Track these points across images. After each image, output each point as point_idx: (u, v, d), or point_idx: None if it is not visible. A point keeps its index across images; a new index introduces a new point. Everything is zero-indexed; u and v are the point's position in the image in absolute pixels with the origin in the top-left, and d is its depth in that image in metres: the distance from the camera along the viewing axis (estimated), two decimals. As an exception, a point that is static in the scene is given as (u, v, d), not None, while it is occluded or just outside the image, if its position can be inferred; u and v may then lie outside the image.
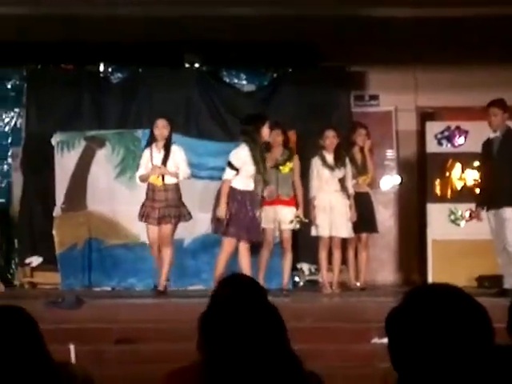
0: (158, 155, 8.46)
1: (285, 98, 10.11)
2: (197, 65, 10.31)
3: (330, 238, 8.84)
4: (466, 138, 9.67)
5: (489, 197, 8.14)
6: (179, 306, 7.54)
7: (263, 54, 10.10)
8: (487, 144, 8.27)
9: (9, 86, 10.46)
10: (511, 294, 7.12)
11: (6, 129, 10.46)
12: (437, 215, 9.61)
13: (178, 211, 8.40)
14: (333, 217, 8.76)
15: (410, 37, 9.80)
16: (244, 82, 10.52)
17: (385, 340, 1.97)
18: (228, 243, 8.09)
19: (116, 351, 5.99)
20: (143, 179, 8.51)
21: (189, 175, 8.53)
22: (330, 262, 8.96)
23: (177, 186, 8.45)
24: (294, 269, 9.34)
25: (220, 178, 8.33)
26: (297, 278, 9.81)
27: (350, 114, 10.23)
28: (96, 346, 5.87)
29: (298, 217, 8.64)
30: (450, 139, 9.75)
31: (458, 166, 9.69)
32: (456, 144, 9.72)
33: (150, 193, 8.42)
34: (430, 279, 9.43)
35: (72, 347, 5.40)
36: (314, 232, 8.82)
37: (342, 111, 10.14)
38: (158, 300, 8.16)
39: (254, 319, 2.14)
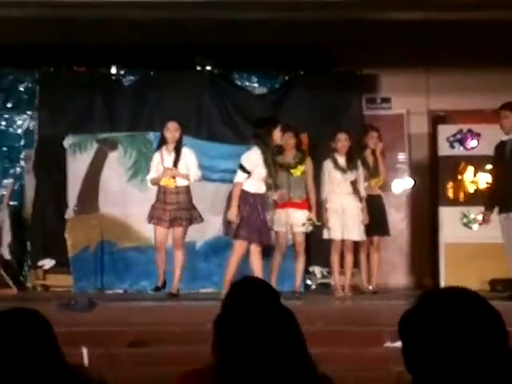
0: (169, 157, 8.47)
1: (296, 101, 10.11)
2: (208, 68, 10.32)
3: (342, 241, 8.83)
4: (478, 140, 9.64)
5: (501, 200, 8.12)
6: (191, 309, 7.55)
7: (274, 57, 10.10)
8: (500, 147, 8.26)
9: (21, 89, 10.50)
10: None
11: (19, 131, 10.50)
12: (449, 218, 9.58)
13: (189, 214, 8.41)
14: (345, 220, 8.76)
15: (422, 40, 9.80)
16: (255, 85, 10.52)
17: (398, 343, 1.97)
18: (239, 246, 8.10)
19: (128, 354, 5.99)
20: (154, 182, 8.53)
21: (199, 177, 8.54)
22: (341, 265, 8.96)
23: (188, 189, 8.47)
24: (306, 272, 9.33)
25: (231, 181, 8.34)
26: (309, 281, 9.80)
27: (361, 117, 10.22)
28: (108, 348, 5.87)
29: (310, 220, 8.63)
30: (462, 142, 9.72)
31: (471, 168, 9.66)
32: (468, 147, 9.70)
33: (161, 195, 8.43)
34: (443, 282, 9.40)
35: (85, 350, 5.41)
36: (326, 235, 8.82)
37: (353, 114, 10.13)
38: (170, 303, 8.17)
39: (269, 322, 2.14)
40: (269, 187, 8.22)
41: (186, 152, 8.50)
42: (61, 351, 2.40)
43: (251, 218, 8.05)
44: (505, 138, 8.19)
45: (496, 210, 8.21)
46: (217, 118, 10.21)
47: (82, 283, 9.56)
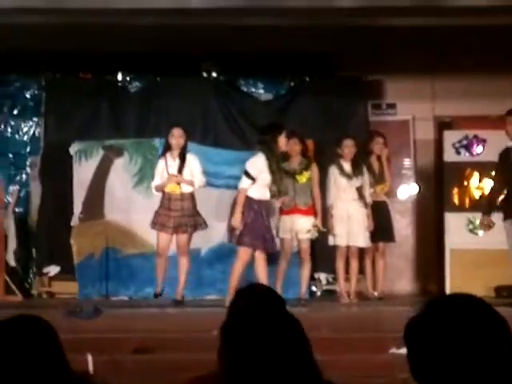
0: (174, 164, 8.48)
1: (302, 107, 10.12)
2: (214, 74, 10.33)
3: (348, 248, 8.83)
4: (484, 146, 9.63)
5: (506, 206, 8.12)
6: (196, 316, 7.55)
7: (280, 63, 10.11)
8: (505, 153, 8.25)
9: (27, 96, 10.51)
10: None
11: (25, 138, 10.51)
12: (455, 224, 9.57)
13: (193, 220, 8.42)
14: (350, 226, 8.76)
15: (427, 46, 9.79)
16: (261, 91, 10.53)
17: (403, 350, 1.96)
18: (244, 253, 8.09)
19: (133, 361, 5.98)
20: (159, 188, 8.53)
21: (204, 183, 8.55)
22: (347, 271, 8.95)
23: (192, 195, 8.47)
24: (311, 278, 9.32)
25: (236, 187, 8.33)
26: (314, 288, 9.79)
27: (367, 123, 10.22)
28: (113, 355, 5.86)
29: (315, 226, 8.63)
30: (467, 148, 9.71)
31: (476, 174, 9.65)
32: (474, 153, 9.69)
33: (166, 202, 8.44)
34: (448, 289, 9.39)
35: (90, 357, 5.40)
36: (331, 241, 8.82)
37: (359, 120, 10.13)
38: (175, 310, 8.17)
39: (276, 329, 2.14)
40: (273, 194, 8.21)
41: (191, 158, 8.50)
42: (66, 358, 2.40)
43: (255, 224, 8.04)
44: (510, 144, 8.18)
45: (498, 215, 8.22)
46: (222, 124, 10.22)
47: (87, 290, 9.57)
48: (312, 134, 9.68)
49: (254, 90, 10.54)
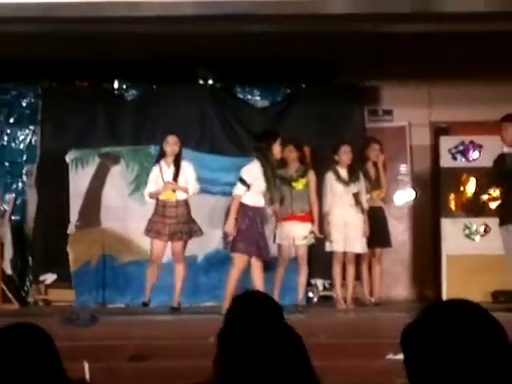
0: (168, 171, 8.50)
1: (298, 114, 10.12)
2: (210, 81, 10.34)
3: (344, 253, 8.83)
4: (480, 152, 9.65)
5: (502, 212, 8.15)
6: (192, 323, 7.54)
7: (276, 70, 10.12)
8: (500, 159, 8.27)
9: (24, 104, 10.51)
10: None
11: (21, 146, 10.50)
12: (451, 230, 9.57)
13: (188, 227, 8.44)
14: (347, 232, 8.77)
15: (424, 52, 9.81)
16: (258, 98, 10.54)
17: (400, 356, 1.96)
18: (239, 259, 8.10)
19: (130, 368, 5.98)
20: (153, 196, 8.53)
21: (198, 190, 8.57)
22: (343, 277, 8.95)
23: (186, 202, 8.50)
24: (308, 284, 9.32)
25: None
26: (311, 294, 9.78)
27: (363, 129, 10.23)
28: (110, 362, 5.86)
29: (312, 232, 8.63)
30: (464, 154, 9.73)
31: (473, 180, 9.66)
32: (470, 158, 9.70)
33: (160, 209, 8.44)
34: (445, 294, 9.39)
35: (86, 364, 5.39)
36: (328, 247, 8.83)
37: (355, 126, 10.14)
38: (171, 317, 8.16)
39: (273, 337, 2.13)
40: (268, 201, 8.22)
41: (185, 165, 8.53)
42: (62, 366, 2.39)
43: (250, 231, 8.05)
44: (506, 150, 8.20)
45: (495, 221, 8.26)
46: (219, 131, 10.22)
47: (84, 297, 9.55)
48: (308, 140, 9.69)
49: (250, 96, 10.55)
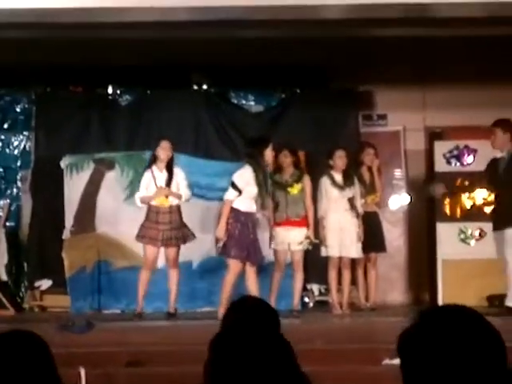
0: (161, 176, 8.50)
1: (293, 119, 10.13)
2: (205, 86, 10.34)
3: (340, 258, 8.83)
4: (474, 156, 9.66)
5: (495, 217, 8.18)
6: (189, 329, 7.53)
7: (271, 75, 10.12)
8: (492, 164, 8.29)
9: (18, 110, 10.50)
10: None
11: (16, 152, 10.49)
12: (446, 234, 9.59)
13: (181, 232, 8.45)
14: (342, 237, 8.77)
15: (418, 56, 9.82)
16: (252, 103, 10.54)
17: (396, 361, 1.96)
18: (234, 265, 8.10)
19: (126, 374, 5.96)
20: (145, 201, 8.52)
21: (189, 197, 8.58)
22: (339, 282, 8.95)
23: (179, 208, 8.52)
24: (303, 289, 9.31)
25: (228, 200, 8.34)
26: (306, 299, 9.78)
27: (358, 134, 10.24)
28: (106, 369, 5.84)
29: (307, 238, 8.63)
30: (458, 158, 9.75)
31: (468, 184, 9.67)
32: (465, 163, 9.72)
33: (153, 214, 8.44)
34: (440, 299, 9.39)
35: (82, 371, 5.38)
36: (323, 252, 8.83)
37: (350, 131, 10.15)
38: (167, 322, 8.14)
39: (263, 345, 2.12)
40: (259, 206, 8.23)
41: (177, 172, 8.55)
42: (58, 373, 2.38)
43: (241, 236, 8.06)
44: (498, 155, 8.22)
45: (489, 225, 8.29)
46: (213, 136, 10.22)
47: (79, 303, 9.54)
48: (303, 145, 9.69)
49: (244, 102, 10.55)
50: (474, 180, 9.35)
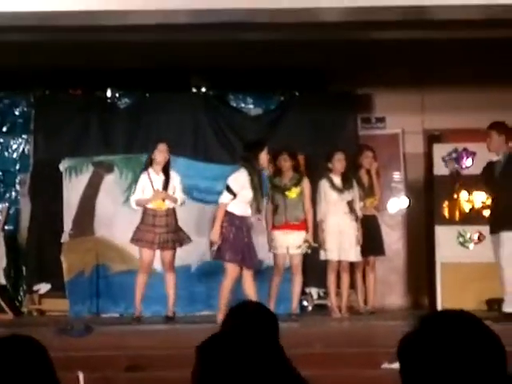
0: (158, 178, 8.50)
1: (292, 122, 10.13)
2: (203, 89, 10.34)
3: (339, 262, 8.82)
4: (473, 159, 9.66)
5: (492, 220, 8.19)
6: (188, 332, 7.51)
7: (270, 78, 10.12)
8: (488, 168, 8.29)
9: (16, 113, 10.49)
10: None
11: (14, 155, 10.48)
12: (445, 238, 9.57)
13: (176, 235, 8.46)
14: (341, 240, 8.76)
15: (416, 59, 9.82)
16: (251, 106, 10.54)
17: (395, 365, 1.96)
18: (231, 269, 8.09)
19: (125, 378, 5.95)
20: (140, 203, 8.52)
21: (184, 201, 8.58)
22: (338, 285, 8.94)
23: (174, 211, 8.52)
24: (302, 293, 9.30)
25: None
26: (305, 303, 9.77)
27: (356, 137, 10.24)
28: (105, 373, 5.83)
29: (306, 241, 8.62)
30: (457, 161, 9.74)
31: (466, 188, 9.66)
32: (464, 166, 9.71)
33: (150, 218, 8.44)
34: (439, 302, 9.38)
35: (81, 375, 5.37)
36: (322, 256, 8.82)
37: (348, 134, 10.15)
38: (166, 326, 8.13)
39: (251, 352, 2.10)
40: (254, 210, 8.22)
41: (173, 175, 8.55)
42: (56, 377, 2.38)
43: (236, 240, 8.05)
44: (495, 158, 8.22)
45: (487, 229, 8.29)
46: (212, 139, 10.22)
47: (78, 307, 9.53)
48: (302, 148, 9.68)
49: (243, 104, 10.55)
50: (472, 183, 9.36)
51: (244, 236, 8.10)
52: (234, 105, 10.53)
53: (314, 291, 9.82)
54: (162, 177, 8.52)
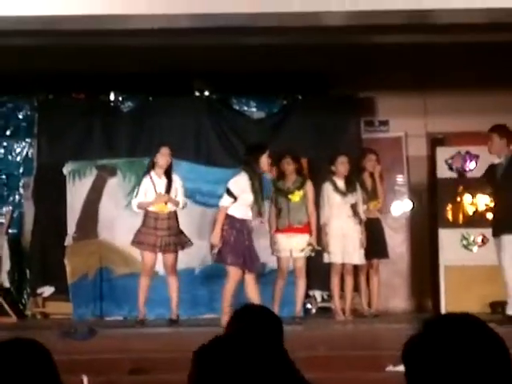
0: (160, 182, 8.52)
1: (295, 125, 10.13)
2: (206, 93, 10.35)
3: (343, 265, 8.82)
4: (476, 162, 9.65)
5: (494, 223, 8.19)
6: (192, 335, 7.51)
7: (272, 82, 10.13)
8: (490, 170, 8.29)
9: (20, 117, 10.51)
10: None
11: (18, 159, 10.50)
12: (449, 240, 9.57)
13: (178, 239, 8.48)
14: (345, 243, 8.77)
15: (419, 62, 9.82)
16: (254, 110, 10.55)
17: (399, 368, 1.96)
18: (234, 273, 8.08)
19: (129, 381, 5.96)
20: (142, 206, 8.53)
21: (185, 204, 8.59)
22: (341, 288, 8.94)
23: (176, 214, 8.52)
24: (306, 296, 9.30)
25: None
26: (309, 305, 9.77)
27: (359, 140, 10.24)
28: (109, 376, 5.84)
29: (310, 244, 8.62)
30: (460, 164, 9.73)
31: (470, 190, 9.66)
32: (467, 169, 9.71)
33: (152, 220, 8.44)
34: (443, 305, 9.38)
35: (85, 378, 5.38)
36: (326, 259, 8.82)
37: (351, 137, 10.15)
38: (170, 329, 8.13)
39: (248, 358, 2.09)
40: (255, 214, 8.22)
41: (175, 179, 8.57)
42: (60, 380, 2.38)
43: (237, 243, 8.06)
44: (496, 161, 8.22)
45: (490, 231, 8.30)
46: (215, 142, 10.23)
47: (82, 310, 9.53)
48: (305, 151, 9.69)
49: (246, 108, 10.56)
50: (475, 186, 9.36)
51: (245, 239, 8.10)
52: (237, 108, 10.53)
53: (317, 294, 9.82)
54: (164, 180, 8.54)
